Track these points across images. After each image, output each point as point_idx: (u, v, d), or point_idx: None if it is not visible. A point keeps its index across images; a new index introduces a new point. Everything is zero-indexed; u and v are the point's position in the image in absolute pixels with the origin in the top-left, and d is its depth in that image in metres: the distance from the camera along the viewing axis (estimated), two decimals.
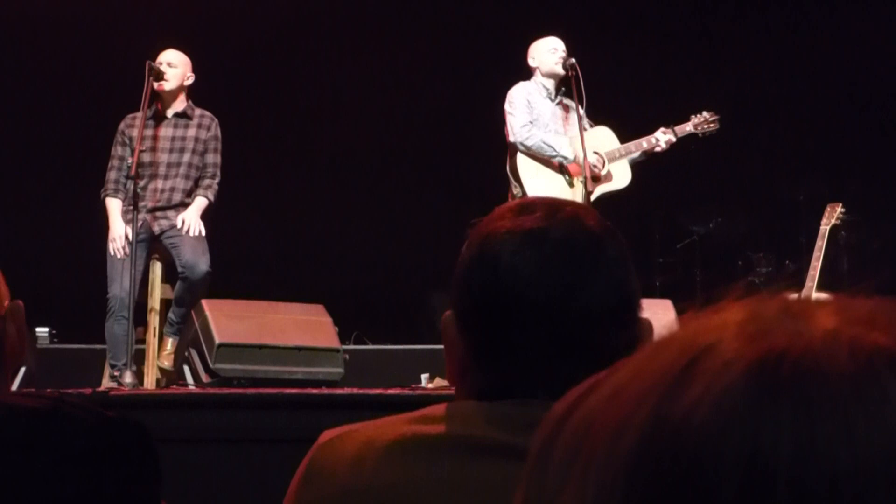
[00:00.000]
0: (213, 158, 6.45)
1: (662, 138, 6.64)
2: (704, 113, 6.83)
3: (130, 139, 6.38)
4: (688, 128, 6.75)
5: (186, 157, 6.37)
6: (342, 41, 8.69)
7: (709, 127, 6.81)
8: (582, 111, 6.51)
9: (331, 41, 8.69)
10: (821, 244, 6.68)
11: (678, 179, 8.30)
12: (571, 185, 6.50)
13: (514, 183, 6.54)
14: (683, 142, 6.86)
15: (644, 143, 6.64)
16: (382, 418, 1.41)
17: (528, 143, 6.49)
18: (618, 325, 1.36)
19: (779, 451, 0.50)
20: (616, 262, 1.39)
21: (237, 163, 7.29)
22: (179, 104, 6.44)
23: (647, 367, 0.55)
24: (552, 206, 1.41)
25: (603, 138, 6.62)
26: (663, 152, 6.67)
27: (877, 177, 8.48)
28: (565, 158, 6.48)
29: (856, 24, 8.63)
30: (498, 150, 6.64)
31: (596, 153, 6.52)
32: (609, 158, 6.58)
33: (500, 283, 1.36)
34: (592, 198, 6.42)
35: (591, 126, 6.65)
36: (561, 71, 6.53)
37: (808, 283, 6.47)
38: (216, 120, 6.50)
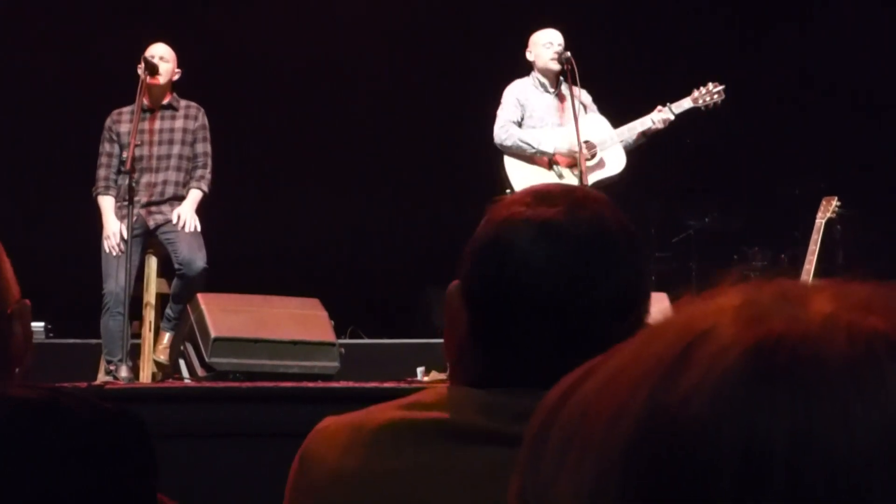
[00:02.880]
0: (204, 148, 6.45)
1: (657, 117, 6.54)
2: (709, 84, 6.66)
3: (118, 135, 6.37)
4: (685, 103, 6.60)
5: (176, 149, 6.37)
6: (340, 35, 8.68)
7: (712, 98, 6.64)
8: (578, 101, 6.50)
9: (328, 35, 8.68)
10: (816, 238, 6.69)
11: (674, 173, 8.31)
12: (561, 176, 6.49)
13: (507, 185, 6.51)
14: (687, 127, 6.83)
15: (638, 125, 6.57)
16: (375, 405, 1.41)
17: (507, 143, 6.51)
18: (622, 324, 1.35)
19: (776, 436, 0.50)
20: (630, 266, 1.38)
21: (232, 157, 7.28)
22: (166, 97, 6.44)
23: (644, 353, 0.55)
24: (575, 202, 1.39)
25: (595, 126, 6.59)
26: (662, 131, 6.58)
27: (873, 170, 8.48)
28: (544, 153, 6.47)
29: (853, 17, 8.63)
30: (493, 145, 6.64)
31: (586, 142, 6.49)
32: (601, 146, 6.55)
33: (511, 270, 1.35)
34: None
35: (586, 112, 6.61)
36: (555, 66, 6.52)
37: (803, 277, 6.48)
38: (202, 109, 6.51)
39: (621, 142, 6.57)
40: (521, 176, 6.43)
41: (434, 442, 1.32)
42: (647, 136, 6.60)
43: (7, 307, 1.52)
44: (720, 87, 6.70)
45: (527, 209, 1.38)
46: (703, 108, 6.66)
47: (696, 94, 6.67)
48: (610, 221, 1.39)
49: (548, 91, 6.62)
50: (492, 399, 1.34)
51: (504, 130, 6.52)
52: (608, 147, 6.55)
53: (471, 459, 1.29)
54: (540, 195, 1.40)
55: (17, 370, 1.53)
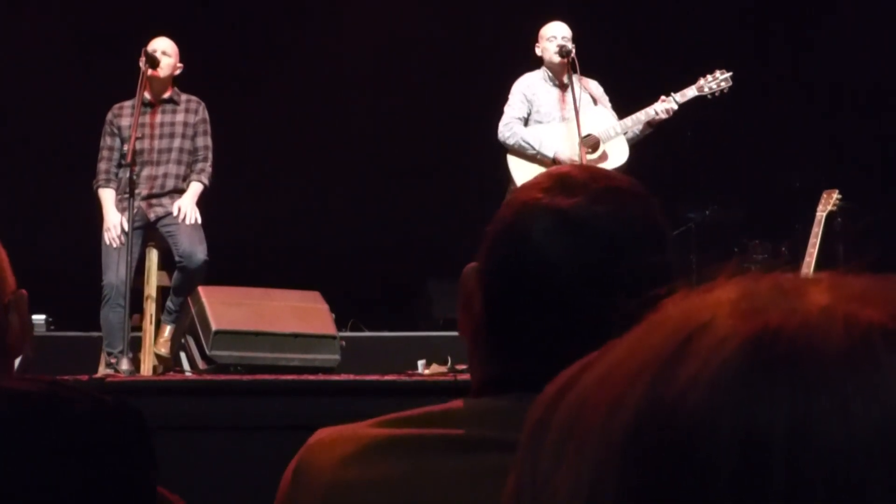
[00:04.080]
0: (204, 141, 6.47)
1: (660, 107, 6.55)
2: (715, 72, 6.69)
3: (119, 128, 6.40)
4: (689, 92, 6.61)
5: (177, 143, 6.39)
6: (340, 25, 8.67)
7: (719, 86, 6.65)
8: (587, 93, 6.51)
9: (328, 25, 8.67)
10: (817, 231, 6.69)
11: (674, 166, 8.30)
12: None
13: (509, 179, 6.51)
14: (680, 129, 6.84)
15: (642, 115, 6.57)
16: (374, 419, 1.39)
17: (509, 141, 6.51)
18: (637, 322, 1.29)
19: (775, 428, 0.50)
20: (652, 264, 1.33)
21: (233, 150, 7.28)
22: (167, 91, 6.46)
23: (641, 346, 0.55)
24: (596, 192, 1.34)
25: (600, 118, 6.59)
26: (666, 121, 6.58)
27: (873, 163, 8.47)
28: (544, 156, 6.45)
29: (852, 10, 8.63)
30: (495, 139, 6.63)
31: (588, 135, 6.49)
32: (604, 138, 6.56)
33: (525, 258, 1.33)
34: None
35: (596, 104, 6.61)
36: (557, 59, 6.53)
37: (804, 270, 6.47)
38: (203, 103, 6.53)
39: (625, 134, 6.57)
40: (523, 171, 6.42)
41: (438, 452, 1.29)
42: (653, 126, 6.60)
43: (3, 298, 1.52)
44: (727, 74, 6.69)
45: (545, 196, 1.34)
46: (709, 96, 6.66)
47: (701, 82, 6.66)
48: (633, 216, 1.34)
49: (555, 85, 6.63)
50: (502, 406, 1.31)
51: (508, 128, 6.52)
52: (611, 139, 6.55)
53: (479, 466, 1.26)
54: (561, 181, 1.36)
55: (14, 361, 1.52)
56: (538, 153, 6.46)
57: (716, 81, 6.66)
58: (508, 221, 1.36)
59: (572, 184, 1.36)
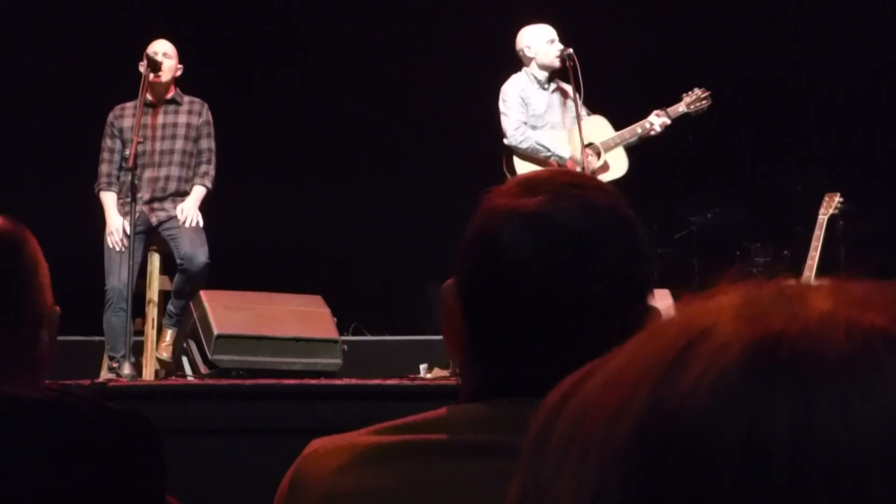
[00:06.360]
0: (207, 144, 6.45)
1: (657, 122, 6.59)
2: (696, 90, 6.77)
3: (120, 130, 6.38)
4: (680, 108, 6.69)
5: (179, 144, 6.37)
6: (337, 29, 8.68)
7: (701, 104, 6.75)
8: (580, 100, 6.50)
9: (326, 28, 8.68)
10: (819, 234, 6.69)
11: (675, 169, 8.30)
12: None
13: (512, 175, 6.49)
14: (680, 130, 6.85)
15: (638, 128, 6.60)
16: (368, 427, 1.38)
17: (523, 146, 6.45)
18: (617, 319, 1.27)
19: (776, 432, 0.50)
20: (623, 254, 1.32)
21: (234, 153, 7.28)
22: (169, 93, 6.44)
23: (644, 352, 0.55)
24: (558, 190, 1.34)
25: (597, 128, 6.59)
26: (658, 135, 6.64)
27: (874, 165, 8.47)
28: (560, 158, 6.44)
29: (852, 10, 8.63)
30: (495, 140, 6.63)
31: (590, 144, 6.49)
32: (605, 148, 6.56)
33: (497, 264, 1.32)
34: None
35: (589, 114, 6.62)
36: (558, 64, 6.50)
37: (805, 273, 6.47)
38: (206, 105, 6.51)
39: (622, 144, 6.59)
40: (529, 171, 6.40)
41: (433, 458, 1.29)
42: (642, 140, 6.64)
43: (39, 313, 1.53)
44: (707, 93, 6.78)
45: (510, 200, 1.34)
46: (693, 113, 6.75)
47: (687, 99, 6.75)
48: (599, 208, 1.33)
49: (543, 88, 6.59)
50: (491, 412, 1.31)
51: (520, 132, 6.45)
52: (611, 149, 6.56)
53: (471, 471, 1.26)
54: (525, 184, 1.37)
55: (42, 375, 1.53)
56: (553, 155, 6.43)
57: (699, 100, 6.75)
58: (477, 230, 1.36)
59: (536, 184, 1.36)
